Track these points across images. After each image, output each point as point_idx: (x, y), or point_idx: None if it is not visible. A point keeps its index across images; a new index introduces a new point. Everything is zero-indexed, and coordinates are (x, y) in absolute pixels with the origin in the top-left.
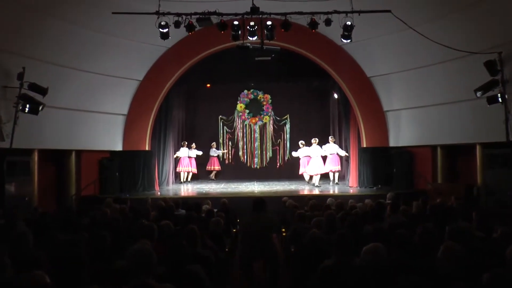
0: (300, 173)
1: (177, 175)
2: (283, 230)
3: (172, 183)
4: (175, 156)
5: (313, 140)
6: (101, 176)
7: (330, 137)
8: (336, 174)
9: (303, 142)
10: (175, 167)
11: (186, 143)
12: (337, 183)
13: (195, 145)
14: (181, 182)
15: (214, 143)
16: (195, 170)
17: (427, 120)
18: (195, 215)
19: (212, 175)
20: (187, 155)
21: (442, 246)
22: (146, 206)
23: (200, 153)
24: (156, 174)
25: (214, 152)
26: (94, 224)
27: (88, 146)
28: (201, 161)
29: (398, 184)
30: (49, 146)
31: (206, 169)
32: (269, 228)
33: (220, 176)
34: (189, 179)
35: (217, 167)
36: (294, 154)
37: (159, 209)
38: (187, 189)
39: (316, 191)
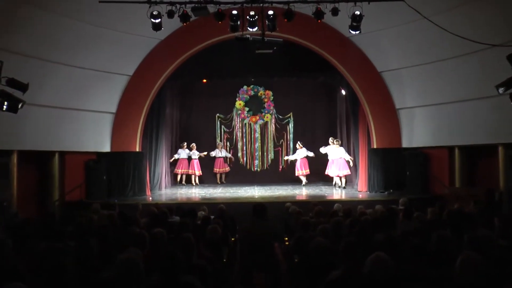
0: (296, 174)
1: (176, 178)
2: (286, 238)
3: (165, 187)
4: (171, 160)
5: (330, 140)
6: (87, 180)
7: (331, 139)
8: (343, 179)
9: (300, 144)
10: (173, 169)
11: (186, 144)
12: (344, 187)
13: (195, 145)
14: (183, 184)
15: (220, 143)
16: (199, 173)
17: (443, 118)
18: (190, 222)
19: (220, 178)
20: (186, 156)
21: (460, 256)
22: (136, 212)
23: (203, 154)
24: (147, 177)
25: (220, 153)
26: (79, 231)
27: (73, 147)
28: (205, 163)
29: (412, 188)
30: (30, 147)
31: (214, 171)
32: (271, 236)
33: (212, 180)
34: (197, 182)
35: (225, 169)
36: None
37: (150, 215)
38: (182, 194)
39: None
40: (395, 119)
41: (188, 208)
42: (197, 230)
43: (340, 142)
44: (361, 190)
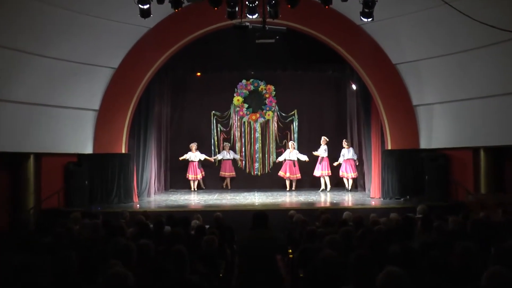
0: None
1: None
2: (290, 250)
3: (155, 193)
4: (182, 158)
5: (344, 143)
6: (66, 185)
7: (326, 140)
8: (350, 181)
9: (293, 143)
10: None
11: (195, 145)
12: (350, 190)
13: (195, 144)
14: (194, 190)
15: (228, 144)
16: (201, 176)
17: (467, 116)
18: (182, 233)
19: (226, 183)
20: (197, 159)
21: (486, 271)
22: (122, 221)
23: (209, 158)
24: (134, 182)
25: (228, 154)
26: (57, 243)
27: (50, 148)
28: (205, 165)
29: (431, 194)
30: (1, 149)
31: (220, 175)
32: (273, 248)
33: (212, 185)
34: (202, 186)
35: (230, 174)
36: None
37: (138, 225)
38: (173, 201)
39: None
40: (412, 117)
41: (180, 217)
42: (190, 241)
43: (348, 142)
44: (373, 197)
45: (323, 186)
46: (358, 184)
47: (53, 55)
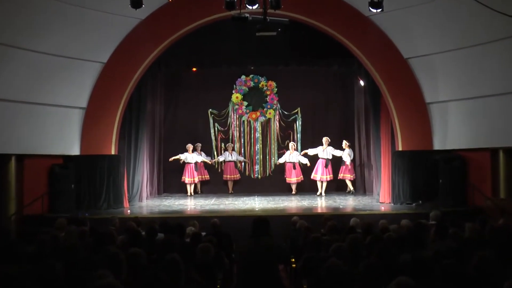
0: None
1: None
2: (293, 259)
3: (147, 198)
4: (173, 159)
5: (344, 144)
6: (51, 189)
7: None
8: (349, 183)
9: (294, 144)
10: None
11: (195, 146)
12: (352, 193)
13: (192, 146)
14: (190, 195)
15: (230, 144)
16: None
17: (484, 115)
18: (177, 241)
19: (230, 188)
20: (193, 161)
21: (506, 283)
22: (111, 228)
23: (209, 160)
24: (125, 186)
25: (230, 156)
26: (41, 252)
27: (34, 149)
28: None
29: (446, 199)
30: None
31: (224, 178)
32: (274, 257)
33: (209, 189)
34: (198, 190)
35: (233, 176)
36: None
37: (129, 232)
38: (167, 206)
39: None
40: (425, 116)
41: (174, 223)
42: (186, 249)
43: (349, 143)
44: (383, 201)
45: (350, 188)
46: (367, 189)
47: (36, 49)
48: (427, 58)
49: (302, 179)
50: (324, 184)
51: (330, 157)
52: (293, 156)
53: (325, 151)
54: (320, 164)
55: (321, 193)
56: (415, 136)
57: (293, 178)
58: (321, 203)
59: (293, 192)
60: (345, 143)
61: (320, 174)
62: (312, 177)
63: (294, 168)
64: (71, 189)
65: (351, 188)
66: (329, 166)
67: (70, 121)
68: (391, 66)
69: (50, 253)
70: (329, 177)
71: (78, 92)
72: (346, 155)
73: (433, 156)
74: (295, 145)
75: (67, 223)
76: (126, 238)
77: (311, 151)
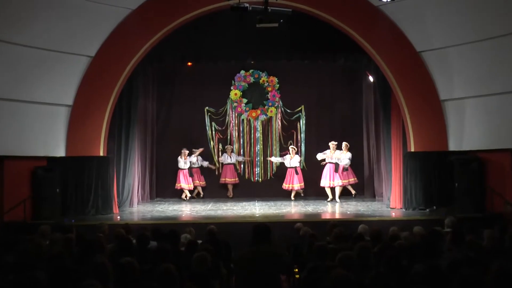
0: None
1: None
2: (296, 269)
3: (138, 203)
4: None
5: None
6: (34, 193)
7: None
8: (349, 186)
9: (294, 148)
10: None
11: (191, 151)
12: (354, 196)
13: (187, 151)
14: (185, 199)
15: (229, 147)
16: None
17: (504, 112)
18: (170, 249)
19: (230, 192)
20: (186, 167)
21: None
22: (100, 235)
23: (206, 164)
24: (114, 190)
25: (230, 158)
26: (23, 262)
27: (15, 150)
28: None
29: (462, 204)
30: None
31: (221, 181)
32: (276, 266)
33: (207, 193)
34: (192, 195)
35: (232, 180)
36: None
37: (119, 239)
38: (160, 212)
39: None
40: (440, 114)
41: (168, 230)
42: (180, 258)
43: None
44: (394, 207)
45: (352, 191)
46: (376, 193)
47: (17, 41)
48: (442, 52)
49: (303, 186)
50: (337, 189)
51: (341, 162)
52: (294, 160)
53: (333, 156)
54: (328, 170)
55: (332, 199)
56: (429, 136)
57: (295, 184)
58: (326, 209)
59: (292, 198)
60: (345, 145)
61: (329, 180)
62: (321, 184)
63: (297, 173)
64: (56, 194)
65: (353, 190)
66: (340, 169)
67: (54, 119)
68: (402, 60)
69: (32, 263)
70: (341, 181)
71: (63, 88)
72: (347, 159)
73: (448, 158)
74: (296, 149)
75: (51, 230)
76: (116, 246)
77: (319, 156)
